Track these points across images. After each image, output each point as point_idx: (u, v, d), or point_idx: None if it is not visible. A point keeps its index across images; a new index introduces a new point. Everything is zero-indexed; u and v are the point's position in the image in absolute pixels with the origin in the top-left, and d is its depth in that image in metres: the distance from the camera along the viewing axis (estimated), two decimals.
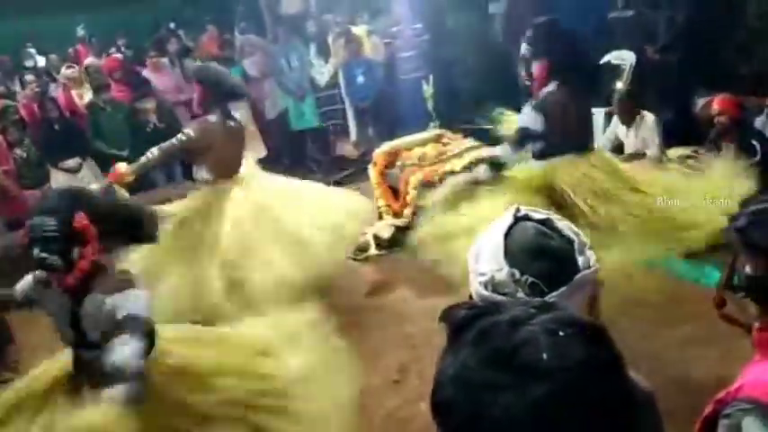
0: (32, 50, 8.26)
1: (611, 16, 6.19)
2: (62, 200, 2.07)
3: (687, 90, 5.47)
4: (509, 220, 1.19)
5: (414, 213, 5.03)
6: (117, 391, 1.90)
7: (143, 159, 3.64)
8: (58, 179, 6.22)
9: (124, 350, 1.88)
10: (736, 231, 1.32)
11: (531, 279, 1.10)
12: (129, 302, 1.98)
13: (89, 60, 7.28)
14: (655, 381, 2.74)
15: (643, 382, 1.04)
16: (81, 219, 1.99)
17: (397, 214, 5.20)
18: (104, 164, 6.42)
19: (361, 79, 7.00)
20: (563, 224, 1.20)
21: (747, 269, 1.31)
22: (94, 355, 1.99)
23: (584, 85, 3.15)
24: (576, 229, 1.20)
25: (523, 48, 3.11)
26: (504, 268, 1.11)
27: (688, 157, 4.23)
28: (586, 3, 6.41)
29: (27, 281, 2.23)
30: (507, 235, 1.16)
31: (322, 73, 7.20)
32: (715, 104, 4.49)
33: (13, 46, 8.23)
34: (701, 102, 5.20)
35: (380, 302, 3.92)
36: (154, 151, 3.62)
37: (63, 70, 6.82)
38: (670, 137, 4.96)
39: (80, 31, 8.63)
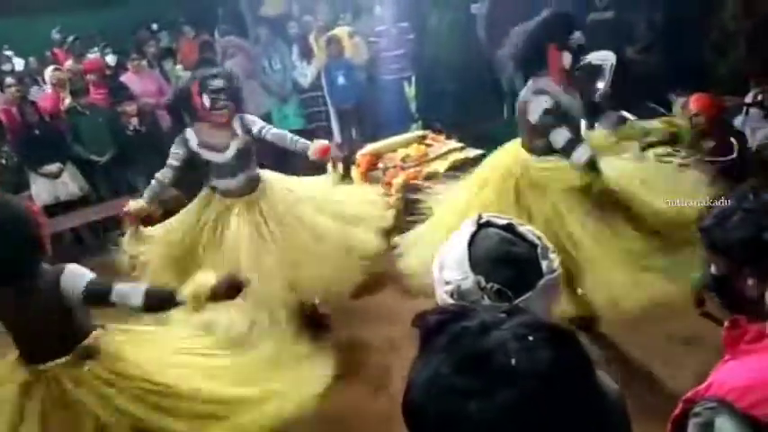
0: (10, 53, 8.13)
1: (590, 18, 6.24)
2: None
3: (666, 90, 5.54)
4: (472, 227, 1.18)
5: (398, 214, 5.04)
6: None
7: (153, 183, 3.53)
8: (38, 184, 6.15)
9: None
10: (701, 231, 1.35)
11: (496, 286, 1.10)
12: None
13: (68, 63, 7.19)
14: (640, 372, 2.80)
15: (612, 383, 1.06)
16: None
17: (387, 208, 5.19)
18: (84, 168, 6.38)
19: (341, 81, 6.99)
20: (525, 229, 1.20)
21: (712, 269, 1.34)
22: None
23: None
24: (538, 233, 1.20)
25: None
26: (469, 276, 1.11)
27: (666, 155, 4.26)
28: (565, 5, 6.47)
29: None
30: (471, 243, 1.16)
31: (305, 75, 7.18)
32: (692, 104, 4.54)
33: None
34: (679, 101, 5.26)
35: (365, 304, 3.92)
36: (163, 172, 3.54)
37: (51, 72, 6.71)
38: None
39: (55, 34, 8.48)
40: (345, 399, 3.20)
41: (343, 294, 3.73)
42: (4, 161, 5.95)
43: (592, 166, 2.95)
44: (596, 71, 6.03)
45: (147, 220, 3.50)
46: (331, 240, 3.48)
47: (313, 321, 3.74)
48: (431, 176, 4.98)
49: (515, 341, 0.70)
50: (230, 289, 2.29)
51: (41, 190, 6.14)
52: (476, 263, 1.13)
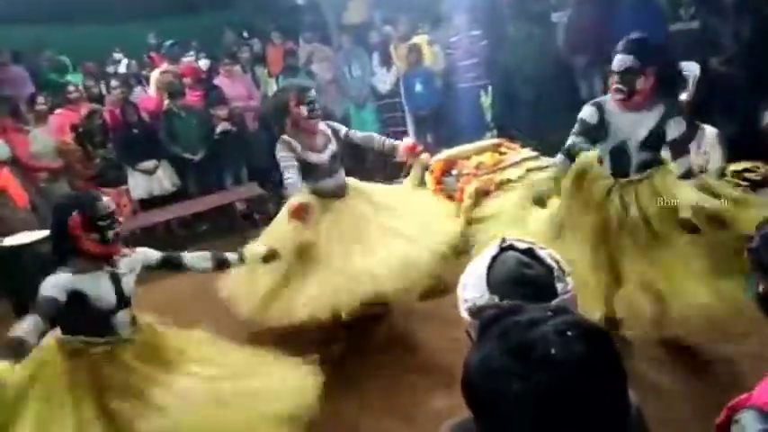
0: (119, 56, 8.76)
1: (674, 28, 6.12)
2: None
3: (753, 104, 5.36)
4: (495, 250, 1.31)
5: (468, 222, 5.14)
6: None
7: (291, 184, 3.64)
8: (135, 179, 6.65)
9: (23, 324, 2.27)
10: (749, 252, 1.41)
11: (504, 302, 1.18)
12: (44, 283, 2.41)
13: (166, 67, 7.69)
14: (704, 395, 2.79)
15: (631, 397, 1.16)
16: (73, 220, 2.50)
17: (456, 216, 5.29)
18: (178, 166, 6.84)
19: (419, 88, 7.17)
20: (545, 252, 1.31)
21: (760, 288, 1.39)
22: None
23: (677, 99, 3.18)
24: (556, 257, 1.30)
25: (628, 60, 3.00)
26: (485, 295, 1.22)
27: (746, 170, 4.17)
28: (648, 14, 6.37)
29: None
30: (491, 264, 1.28)
31: (384, 81, 7.40)
32: None
33: (93, 52, 8.76)
34: (766, 115, 5.09)
35: (432, 306, 4.05)
36: (291, 174, 3.66)
37: (158, 75, 7.21)
38: (734, 151, 4.89)
39: (152, 39, 9.04)
40: (411, 394, 3.36)
41: (411, 297, 3.89)
42: (108, 157, 6.48)
43: None
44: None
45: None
46: (403, 247, 3.62)
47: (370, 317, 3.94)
48: (504, 184, 5.05)
49: (556, 335, 0.83)
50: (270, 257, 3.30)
51: (138, 185, 6.66)
52: (493, 283, 1.24)
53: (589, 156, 3.22)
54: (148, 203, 6.72)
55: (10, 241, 4.00)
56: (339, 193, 3.85)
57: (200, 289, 5.35)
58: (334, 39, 8.24)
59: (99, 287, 2.56)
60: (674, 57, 3.23)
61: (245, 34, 9.25)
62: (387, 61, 7.39)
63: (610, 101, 3.16)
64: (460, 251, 5.02)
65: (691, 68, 5.88)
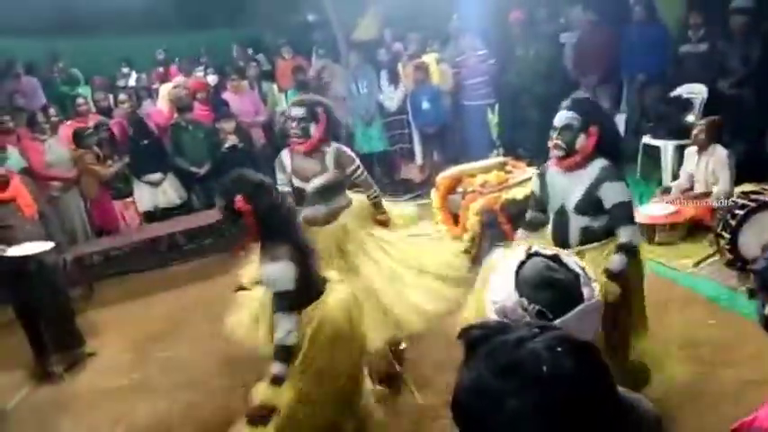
0: (126, 69, 8.87)
1: (683, 49, 6.12)
2: (230, 183, 2.62)
3: (761, 126, 5.35)
4: (522, 256, 1.33)
5: (473, 239, 5.13)
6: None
7: (380, 198, 3.66)
8: (142, 191, 6.68)
9: (278, 330, 2.42)
10: (754, 273, 1.39)
11: (537, 307, 1.23)
12: (277, 276, 2.47)
13: (178, 81, 7.76)
14: (710, 422, 2.75)
15: (649, 406, 1.13)
16: (239, 201, 2.52)
17: (456, 239, 5.29)
18: (184, 179, 6.87)
19: (426, 106, 7.19)
20: (570, 259, 1.34)
21: (766, 309, 1.38)
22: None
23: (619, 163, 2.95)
24: (582, 264, 1.33)
25: (568, 116, 2.78)
26: (513, 296, 1.25)
27: (754, 192, 4.15)
28: (655, 36, 6.39)
29: None
30: (519, 269, 1.31)
31: (391, 98, 7.43)
32: None
33: (105, 66, 8.88)
34: None
35: (432, 325, 4.02)
36: (375, 188, 3.67)
37: (171, 89, 7.26)
38: (742, 173, 4.87)
39: (159, 55, 9.12)
40: (413, 411, 3.33)
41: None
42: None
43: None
44: (687, 104, 5.92)
45: None
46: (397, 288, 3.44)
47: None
48: (509, 203, 5.04)
49: (546, 351, 0.83)
50: None
51: (143, 196, 6.69)
52: (521, 286, 1.27)
53: None
54: (153, 216, 6.74)
55: (13, 252, 4.00)
56: (325, 221, 3.54)
57: (199, 302, 5.36)
58: (342, 56, 8.30)
59: None
60: (613, 120, 3.06)
61: (251, 51, 9.32)
62: (394, 79, 7.43)
63: (550, 163, 2.96)
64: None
65: (698, 90, 5.90)
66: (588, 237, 2.81)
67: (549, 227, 2.98)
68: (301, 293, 2.53)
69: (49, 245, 4.18)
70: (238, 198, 2.50)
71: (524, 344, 0.85)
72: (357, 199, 3.71)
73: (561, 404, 0.80)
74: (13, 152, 5.79)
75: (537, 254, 1.34)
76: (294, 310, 2.49)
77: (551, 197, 2.95)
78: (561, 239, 2.87)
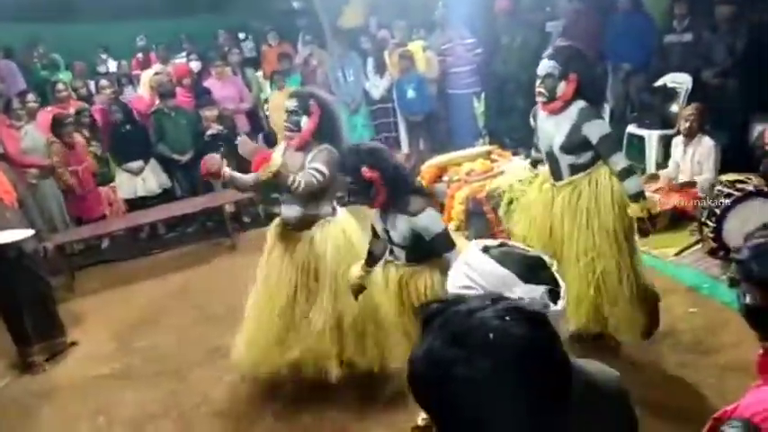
0: (104, 56, 8.72)
1: (667, 39, 6.13)
2: (350, 158, 2.75)
3: (744, 116, 5.37)
4: (479, 253, 1.29)
5: (458, 228, 5.13)
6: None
7: (291, 177, 3.06)
8: (121, 178, 6.60)
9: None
10: (737, 263, 1.39)
11: (546, 287, 1.23)
12: (429, 222, 2.61)
13: (159, 67, 7.65)
14: (691, 409, 2.77)
15: (613, 376, 1.13)
16: (366, 172, 2.64)
17: None
18: (167, 166, 6.79)
19: (411, 94, 7.15)
20: (515, 243, 1.37)
21: (748, 299, 1.37)
22: (398, 250, 2.79)
23: (599, 104, 3.30)
24: (530, 246, 1.39)
25: (549, 65, 3.07)
26: (533, 287, 1.22)
27: (738, 181, 4.17)
28: (641, 25, 6.39)
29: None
30: (500, 263, 1.26)
31: (377, 87, 7.38)
32: (766, 135, 4.41)
33: (86, 51, 8.73)
34: (758, 128, 5.11)
35: None
36: (301, 182, 3.07)
37: (152, 75, 7.16)
38: (725, 162, 4.89)
39: (140, 41, 8.95)
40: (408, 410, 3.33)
41: None
42: (96, 155, 6.43)
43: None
44: (671, 94, 5.94)
45: None
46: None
47: None
48: (494, 191, 5.04)
49: (495, 320, 0.85)
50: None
51: (123, 184, 6.61)
52: (521, 274, 1.23)
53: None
54: (134, 203, 6.67)
55: None
56: (298, 225, 3.31)
57: (181, 291, 5.33)
58: (328, 43, 8.21)
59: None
60: (593, 65, 3.33)
61: (242, 35, 9.19)
62: (380, 67, 7.37)
63: (539, 107, 3.26)
64: None
65: (683, 80, 5.92)
66: (575, 171, 3.15)
67: (545, 165, 3.31)
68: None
69: (29, 232, 4.11)
70: (364, 169, 2.62)
71: (475, 314, 0.87)
72: (346, 219, 3.41)
73: (508, 372, 0.82)
74: None
75: (488, 247, 1.31)
76: (454, 246, 2.60)
77: (541, 139, 3.29)
78: (555, 174, 3.24)
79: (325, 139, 3.24)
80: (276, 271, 3.36)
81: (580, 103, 3.06)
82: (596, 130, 3.04)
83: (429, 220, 2.62)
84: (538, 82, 3.13)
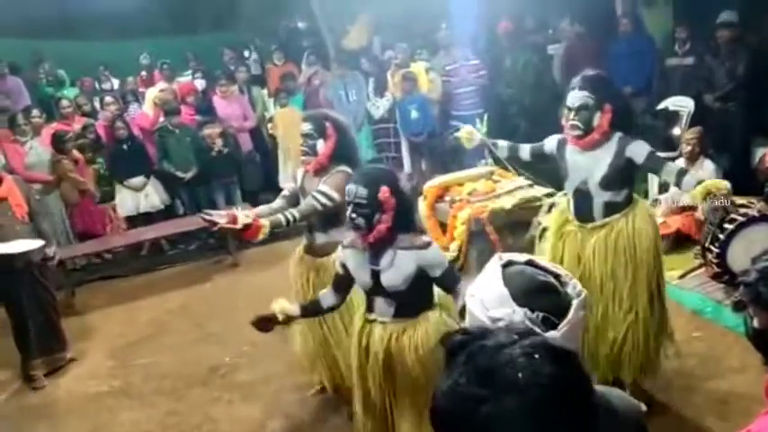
0: (107, 73, 8.78)
1: (670, 63, 6.17)
2: (380, 172, 2.56)
3: (746, 140, 5.39)
4: (497, 267, 1.28)
5: (460, 249, 5.11)
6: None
7: (282, 219, 3.01)
8: (123, 195, 6.61)
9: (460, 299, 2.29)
10: (744, 286, 1.38)
11: (541, 314, 1.19)
12: (436, 256, 2.43)
13: (164, 85, 7.69)
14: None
15: (630, 403, 1.12)
16: (385, 192, 2.40)
17: (443, 248, 5.27)
18: (169, 184, 6.80)
19: (414, 114, 7.18)
20: (543, 262, 1.31)
21: (755, 322, 1.36)
22: (389, 301, 2.49)
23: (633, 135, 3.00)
24: (556, 264, 1.31)
25: (582, 96, 2.88)
26: (516, 309, 1.19)
27: (741, 206, 4.16)
28: (643, 48, 6.44)
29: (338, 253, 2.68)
30: (506, 280, 1.25)
31: (377, 107, 7.42)
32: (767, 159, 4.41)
33: (91, 68, 8.80)
34: (760, 152, 5.12)
35: None
36: (295, 214, 3.04)
37: (157, 92, 7.19)
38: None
39: (143, 60, 9.02)
40: None
41: None
42: (100, 171, 6.45)
43: None
44: (673, 117, 5.96)
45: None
46: None
47: None
48: (497, 212, 5.03)
49: (523, 358, 0.83)
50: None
51: (125, 201, 6.61)
52: (516, 296, 1.21)
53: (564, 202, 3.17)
54: (135, 220, 6.67)
55: (3, 249, 3.96)
56: (318, 252, 3.24)
57: (181, 308, 5.31)
58: (332, 63, 8.28)
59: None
60: (623, 94, 3.16)
61: (246, 53, 9.25)
62: (381, 87, 7.41)
63: (568, 140, 3.02)
64: None
65: (685, 103, 5.94)
66: (611, 210, 2.94)
67: (570, 204, 3.07)
68: None
69: (37, 243, 4.15)
70: (384, 189, 2.40)
71: (503, 350, 0.85)
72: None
73: (536, 411, 0.80)
74: None
75: (511, 262, 1.30)
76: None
77: (570, 174, 3.03)
78: (584, 214, 3.00)
79: (342, 161, 3.16)
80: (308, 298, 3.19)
81: (618, 134, 2.90)
82: (641, 149, 2.86)
83: (438, 254, 2.47)
84: (570, 114, 2.91)
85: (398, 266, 2.42)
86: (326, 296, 2.72)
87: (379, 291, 2.49)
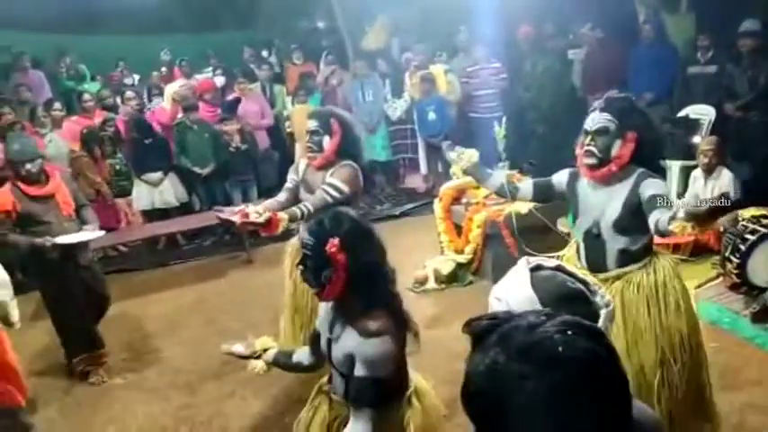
0: (127, 68, 8.87)
1: (691, 71, 6.12)
2: (329, 219, 1.94)
3: (767, 150, 5.34)
4: (526, 272, 1.27)
5: (475, 251, 5.10)
6: None
7: (297, 212, 3.06)
8: (140, 190, 6.65)
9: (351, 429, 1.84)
10: None
11: None
12: (377, 357, 1.82)
13: (183, 81, 7.74)
14: None
15: (650, 411, 1.11)
16: (332, 245, 1.86)
17: (458, 251, 5.27)
18: (186, 179, 6.85)
19: (432, 116, 7.18)
20: (573, 269, 1.31)
21: None
22: (339, 377, 1.99)
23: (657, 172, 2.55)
24: (585, 272, 1.27)
25: (603, 118, 2.44)
26: None
27: (763, 216, 4.12)
28: (664, 55, 6.39)
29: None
30: (534, 285, 1.25)
31: (394, 108, 7.43)
32: None
33: (112, 63, 8.91)
34: None
35: (433, 337, 3.98)
36: (309, 207, 3.06)
37: (177, 88, 7.25)
38: (747, 197, 4.84)
39: (164, 56, 9.11)
40: None
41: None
42: (118, 167, 6.51)
43: None
44: (694, 125, 5.91)
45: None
46: None
47: None
48: (512, 216, 5.01)
49: (559, 335, 0.85)
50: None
51: (142, 195, 6.65)
52: (545, 302, 1.21)
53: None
54: (151, 214, 6.72)
55: (62, 240, 3.87)
56: None
57: (196, 303, 5.33)
58: (350, 63, 8.30)
59: None
60: (654, 124, 2.60)
61: (265, 53, 9.31)
62: (399, 88, 7.42)
63: (582, 172, 2.58)
64: (422, 282, 4.99)
65: (706, 111, 5.89)
66: (627, 260, 2.50)
67: (580, 249, 2.63)
68: (392, 383, 1.93)
69: (99, 233, 4.14)
70: (333, 241, 1.85)
71: (537, 328, 0.86)
72: None
73: (578, 385, 0.82)
74: None
75: (540, 267, 1.29)
76: (379, 405, 1.86)
77: (581, 213, 2.60)
78: (596, 263, 2.55)
79: (347, 157, 3.23)
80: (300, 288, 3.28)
81: (639, 170, 2.44)
82: (653, 188, 2.37)
83: (375, 353, 1.81)
84: (586, 139, 2.46)
85: (342, 344, 1.90)
86: (301, 353, 2.30)
87: (331, 361, 2.01)
